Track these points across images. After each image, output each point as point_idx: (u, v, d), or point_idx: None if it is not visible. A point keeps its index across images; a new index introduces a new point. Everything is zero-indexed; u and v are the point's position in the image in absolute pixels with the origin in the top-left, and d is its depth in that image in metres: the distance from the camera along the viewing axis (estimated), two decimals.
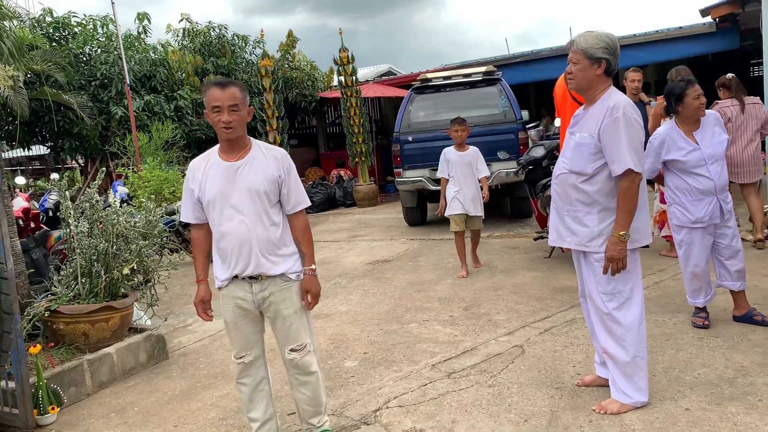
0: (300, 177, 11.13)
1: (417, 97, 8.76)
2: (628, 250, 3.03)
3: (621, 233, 2.97)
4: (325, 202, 13.14)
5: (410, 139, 8.51)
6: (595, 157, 3.03)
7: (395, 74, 20.26)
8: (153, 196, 5.86)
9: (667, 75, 6.29)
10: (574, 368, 3.76)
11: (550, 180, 5.97)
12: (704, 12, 11.54)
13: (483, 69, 8.86)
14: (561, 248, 6.23)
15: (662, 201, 5.98)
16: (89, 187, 4.41)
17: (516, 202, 8.94)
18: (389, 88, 15.01)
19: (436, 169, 8.40)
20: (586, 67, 3.03)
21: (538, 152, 6.83)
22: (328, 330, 4.94)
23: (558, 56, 13.60)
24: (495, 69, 8.90)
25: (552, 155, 6.81)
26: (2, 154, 3.21)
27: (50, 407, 3.70)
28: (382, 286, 6.10)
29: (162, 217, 4.63)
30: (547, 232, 6.43)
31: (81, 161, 13.27)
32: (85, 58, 12.22)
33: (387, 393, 3.65)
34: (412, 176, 8.51)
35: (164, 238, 4.60)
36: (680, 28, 12.64)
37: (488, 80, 8.71)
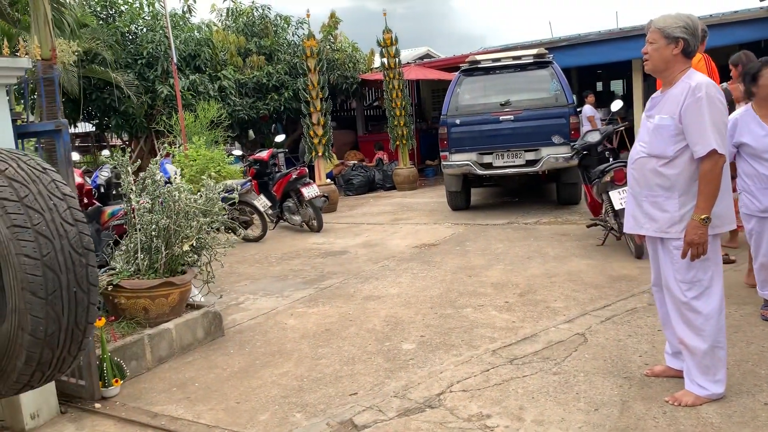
0: (339, 159, 11.11)
1: (465, 79, 8.63)
2: (710, 236, 2.93)
3: (702, 217, 2.86)
4: (365, 185, 13.12)
5: (458, 122, 8.40)
6: (675, 139, 2.92)
7: (433, 57, 20.06)
8: (213, 174, 5.87)
9: (729, 60, 6.07)
10: (640, 358, 3.67)
11: (608, 166, 5.86)
12: None
13: (534, 51, 8.69)
14: (616, 235, 6.15)
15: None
16: (152, 162, 4.43)
17: (564, 188, 8.78)
18: (431, 70, 14.86)
19: (484, 153, 8.36)
20: (663, 46, 2.93)
21: (594, 137, 6.69)
22: (381, 312, 4.91)
23: (605, 40, 13.32)
24: (546, 51, 8.72)
25: (610, 140, 6.66)
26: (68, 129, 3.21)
27: (114, 380, 3.74)
28: (431, 270, 6.05)
29: (221, 194, 4.63)
30: (601, 219, 6.35)
31: (125, 139, 13.44)
32: (131, 37, 12.32)
33: (449, 377, 3.61)
34: (459, 160, 8.41)
35: (224, 216, 4.61)
36: (735, 12, 12.22)
37: (539, 63, 8.54)
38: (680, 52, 2.93)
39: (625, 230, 3.35)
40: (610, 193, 5.75)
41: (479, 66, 8.67)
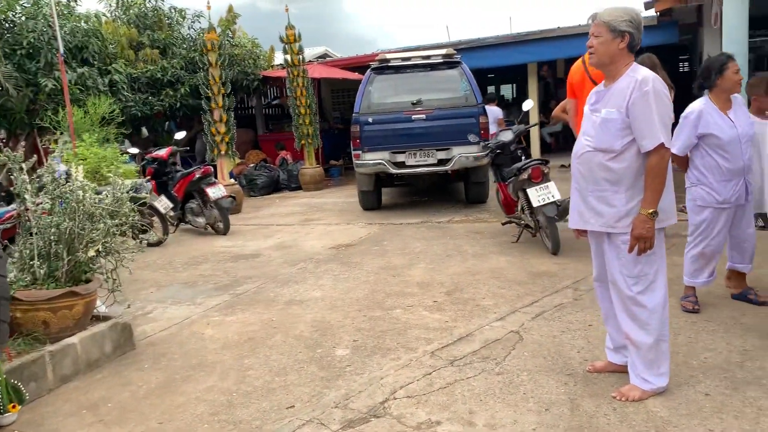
0: (240, 159, 10.55)
1: (377, 77, 8.51)
2: (656, 229, 2.94)
3: (650, 211, 2.87)
4: (269, 185, 12.71)
5: (370, 120, 8.26)
6: (623, 133, 2.91)
7: (331, 57, 19.89)
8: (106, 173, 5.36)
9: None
10: (578, 354, 3.67)
11: (526, 164, 5.92)
12: (648, 5, 11.81)
13: (443, 51, 8.71)
14: (531, 232, 6.23)
15: None
16: (50, 159, 3.95)
17: (473, 187, 8.86)
18: (335, 69, 14.67)
19: (397, 152, 8.27)
20: (609, 40, 2.91)
21: (507, 136, 6.77)
22: (307, 317, 4.67)
23: (502, 44, 13.67)
24: (455, 52, 8.77)
25: (519, 140, 6.75)
26: None
27: (11, 405, 3.28)
28: (352, 271, 5.86)
29: (128, 193, 4.21)
30: (516, 217, 6.41)
31: (2, 136, 12.24)
32: (8, 25, 11.23)
33: (391, 383, 3.45)
34: (372, 159, 8.28)
35: (133, 217, 4.19)
36: None
37: (449, 63, 8.57)
38: (626, 47, 2.93)
39: (569, 226, 3.31)
40: (527, 190, 5.81)
41: (390, 64, 8.57)
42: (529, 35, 13.61)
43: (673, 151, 3.87)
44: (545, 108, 14.63)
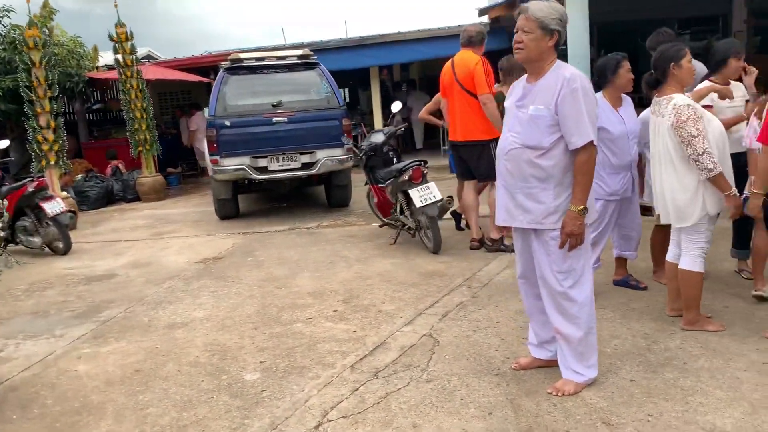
0: (63, 170, 9.40)
1: (231, 78, 8.03)
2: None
3: (580, 208, 2.91)
4: (103, 197, 11.53)
5: (228, 123, 7.78)
6: (551, 129, 2.92)
7: (155, 58, 18.74)
8: None
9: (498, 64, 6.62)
10: (498, 352, 3.67)
11: (407, 164, 5.89)
12: (483, 12, 12.48)
13: (299, 52, 8.46)
14: (411, 233, 6.22)
15: None
16: None
17: (336, 191, 8.72)
18: (171, 71, 13.74)
19: (259, 156, 7.88)
20: (539, 37, 2.91)
21: (379, 138, 6.71)
22: (197, 341, 4.23)
23: (345, 47, 13.69)
24: (311, 53, 8.55)
25: (391, 141, 6.73)
26: None
27: None
28: (232, 286, 5.45)
29: None
30: (394, 219, 6.37)
31: None
32: None
33: (319, 404, 3.19)
34: (232, 164, 7.80)
35: None
36: (459, 26, 13.51)
37: (307, 64, 8.34)
38: (553, 45, 2.94)
39: (497, 223, 3.28)
40: (409, 191, 5.78)
41: (244, 65, 8.14)
42: (368, 39, 13.78)
43: None
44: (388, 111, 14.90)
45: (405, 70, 17.68)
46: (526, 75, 3.09)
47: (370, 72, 14.19)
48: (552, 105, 2.91)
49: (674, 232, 3.88)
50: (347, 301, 4.78)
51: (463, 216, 6.67)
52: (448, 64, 5.90)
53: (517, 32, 2.96)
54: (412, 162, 5.94)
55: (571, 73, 2.91)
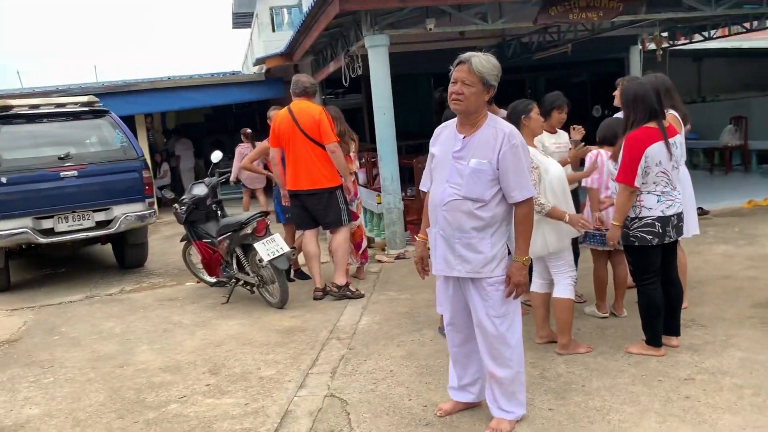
0: None
1: (3, 128, 6.84)
2: None
3: (525, 258, 3.05)
4: None
5: (4, 180, 6.59)
6: (492, 183, 3.01)
7: None
8: None
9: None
10: (411, 401, 3.62)
11: (250, 217, 5.59)
12: (259, 61, 12.48)
13: (83, 99, 7.56)
14: (250, 290, 5.86)
15: (355, 218, 6.18)
16: None
17: (132, 250, 7.88)
18: None
19: (43, 217, 6.81)
20: (479, 91, 2.99)
21: (201, 190, 6.28)
22: None
23: (105, 94, 12.58)
24: (97, 99, 7.69)
25: (215, 193, 6.34)
26: None
27: None
28: (55, 372, 4.57)
29: None
30: (227, 278, 5.96)
31: None
32: None
33: None
34: (11, 228, 6.59)
35: None
36: (233, 74, 13.35)
37: (94, 112, 7.47)
38: (489, 98, 3.05)
39: (434, 272, 3.26)
40: (255, 245, 5.47)
41: (18, 113, 7.02)
42: (136, 85, 12.90)
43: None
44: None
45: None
46: (453, 123, 3.16)
47: (136, 120, 13.23)
48: (494, 160, 2.99)
49: (536, 265, 4.25)
50: (215, 372, 4.32)
51: (292, 266, 6.51)
52: (284, 112, 5.77)
53: (455, 83, 3.00)
54: (254, 214, 5.64)
55: (510, 129, 3.04)
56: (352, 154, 6.37)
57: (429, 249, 3.28)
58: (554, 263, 4.11)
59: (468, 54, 3.02)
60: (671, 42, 12.92)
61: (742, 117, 12.29)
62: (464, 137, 3.08)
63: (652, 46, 11.18)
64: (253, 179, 10.24)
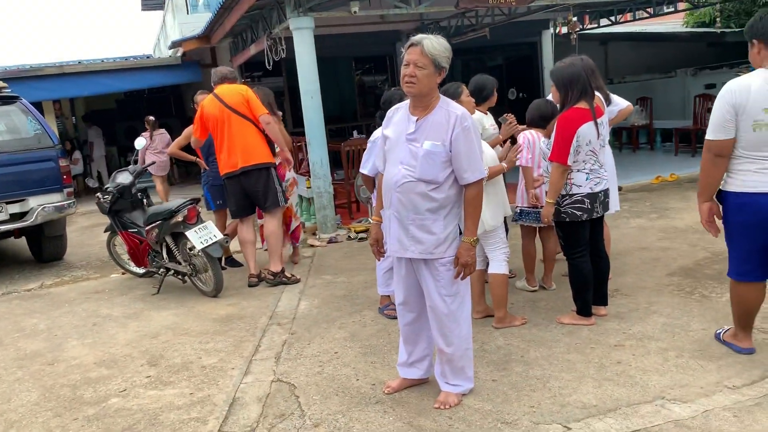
0: None
1: None
2: None
3: (473, 239, 3.14)
4: None
5: None
6: (445, 165, 3.06)
7: None
8: None
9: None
10: (359, 381, 3.68)
11: (181, 205, 5.45)
12: (175, 44, 12.06)
13: None
14: (182, 280, 5.73)
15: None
16: None
17: (49, 242, 7.51)
18: None
19: None
20: (432, 73, 3.02)
21: (126, 178, 6.06)
22: None
23: (9, 79, 11.83)
24: (6, 85, 7.24)
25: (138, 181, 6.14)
26: None
27: None
28: None
29: None
30: (157, 268, 5.79)
31: None
32: None
33: None
34: None
35: None
36: (148, 57, 12.84)
37: (2, 98, 7.03)
38: (440, 80, 3.10)
39: (389, 254, 3.30)
40: (187, 233, 5.34)
41: None
42: (43, 69, 12.21)
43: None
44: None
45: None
46: (405, 105, 3.20)
47: (43, 106, 12.52)
48: (447, 142, 3.04)
49: None
50: (155, 364, 4.22)
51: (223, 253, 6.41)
52: (211, 98, 5.63)
53: (407, 66, 3.01)
54: (184, 202, 5.50)
55: (462, 111, 3.09)
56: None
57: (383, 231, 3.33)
58: (489, 241, 4.26)
59: (419, 36, 3.04)
60: (580, 26, 13.45)
61: (647, 98, 12.98)
62: (417, 119, 3.11)
63: (565, 30, 11.61)
64: (158, 168, 10.02)
